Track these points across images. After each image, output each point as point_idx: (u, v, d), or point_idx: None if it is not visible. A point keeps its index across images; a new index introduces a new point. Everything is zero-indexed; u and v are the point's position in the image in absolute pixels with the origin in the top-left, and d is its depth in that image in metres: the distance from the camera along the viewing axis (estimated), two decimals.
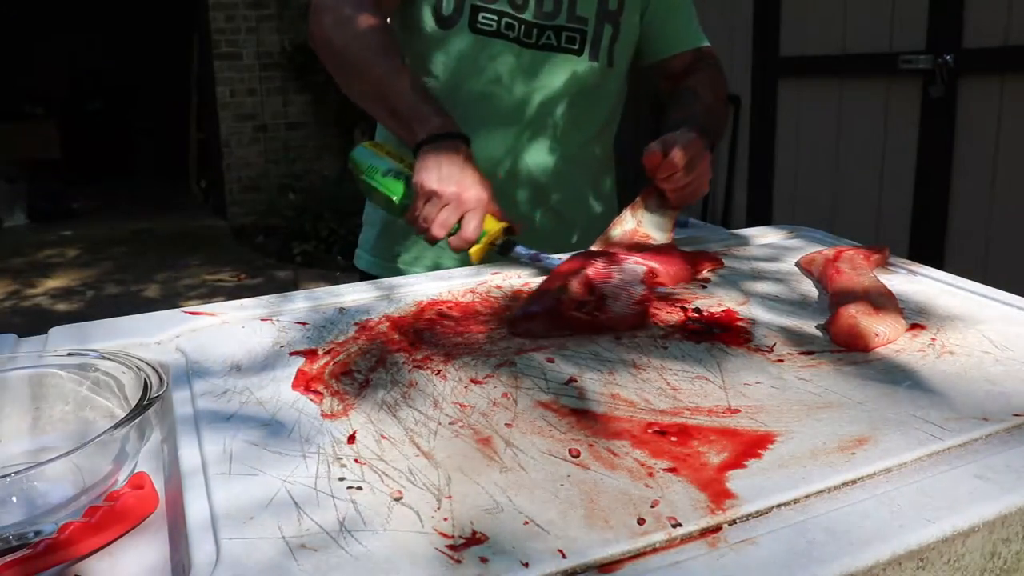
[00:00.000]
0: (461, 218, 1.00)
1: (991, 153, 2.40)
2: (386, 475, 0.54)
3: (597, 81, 1.24)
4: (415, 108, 1.06)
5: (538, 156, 1.23)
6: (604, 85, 1.25)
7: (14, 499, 0.52)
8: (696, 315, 0.84)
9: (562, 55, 1.20)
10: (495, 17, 1.17)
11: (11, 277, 4.93)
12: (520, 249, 1.02)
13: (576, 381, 0.68)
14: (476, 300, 0.89)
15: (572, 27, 1.19)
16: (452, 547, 0.47)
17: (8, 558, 0.46)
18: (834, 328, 0.77)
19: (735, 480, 0.53)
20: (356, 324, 0.83)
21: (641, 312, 0.82)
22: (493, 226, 1.02)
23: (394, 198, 1.06)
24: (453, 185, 0.98)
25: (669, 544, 0.47)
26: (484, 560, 0.46)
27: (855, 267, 0.92)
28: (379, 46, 1.10)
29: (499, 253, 1.03)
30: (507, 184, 1.22)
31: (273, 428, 0.61)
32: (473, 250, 1.02)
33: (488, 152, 1.19)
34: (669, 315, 0.84)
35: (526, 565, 0.45)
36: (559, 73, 1.21)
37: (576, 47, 1.21)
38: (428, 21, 1.19)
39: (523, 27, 1.18)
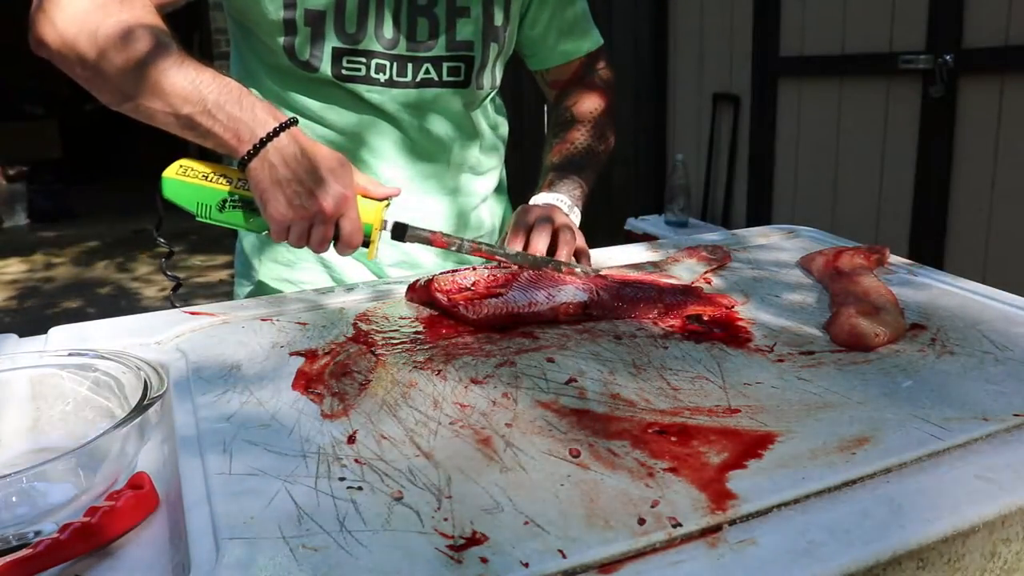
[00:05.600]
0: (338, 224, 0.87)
1: (991, 153, 2.40)
2: (386, 475, 0.54)
3: (480, 103, 1.12)
4: (228, 114, 0.83)
5: (435, 199, 1.12)
6: (484, 103, 1.13)
7: (14, 499, 0.52)
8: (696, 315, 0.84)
9: (447, 90, 1.05)
10: (362, 60, 1.00)
11: (11, 277, 4.92)
12: (417, 230, 0.91)
13: (576, 381, 0.68)
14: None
15: (455, 55, 1.04)
16: (452, 547, 0.47)
17: (8, 558, 0.46)
18: (834, 328, 0.77)
19: (735, 480, 0.53)
20: (356, 324, 0.83)
21: (490, 319, 0.81)
22: (371, 215, 0.89)
23: (243, 227, 0.91)
24: (305, 199, 0.83)
25: (669, 544, 0.47)
26: (484, 560, 0.46)
27: (855, 267, 0.92)
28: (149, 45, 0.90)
29: (394, 239, 0.91)
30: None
31: (273, 428, 0.61)
32: (364, 252, 0.91)
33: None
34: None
35: (526, 565, 0.45)
36: (445, 112, 1.06)
37: (462, 79, 1.05)
38: (283, 60, 1.01)
39: (395, 65, 1.01)
